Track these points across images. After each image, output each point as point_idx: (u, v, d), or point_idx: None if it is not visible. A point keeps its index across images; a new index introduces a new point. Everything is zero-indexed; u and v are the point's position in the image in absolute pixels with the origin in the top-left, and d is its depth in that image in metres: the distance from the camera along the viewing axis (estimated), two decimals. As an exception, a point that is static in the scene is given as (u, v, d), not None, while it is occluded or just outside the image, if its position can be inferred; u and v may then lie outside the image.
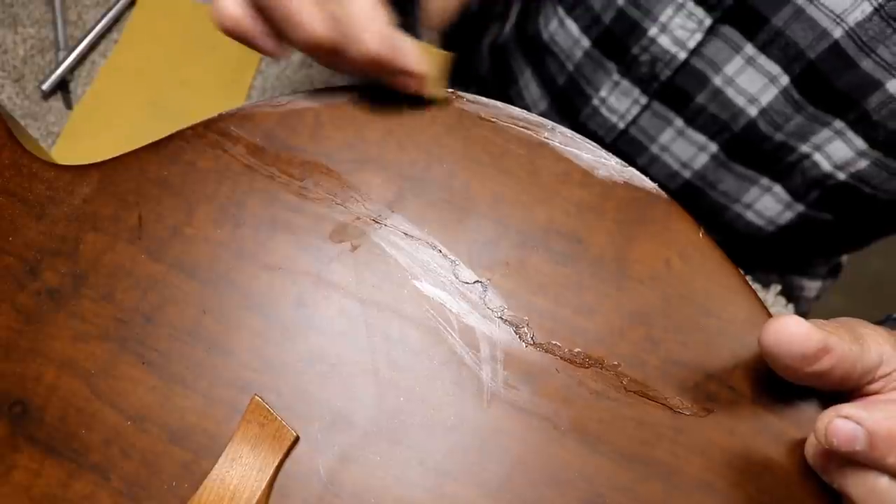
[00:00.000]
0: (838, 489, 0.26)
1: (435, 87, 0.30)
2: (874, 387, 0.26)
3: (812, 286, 0.58)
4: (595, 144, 0.30)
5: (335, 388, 0.28)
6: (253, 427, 0.27)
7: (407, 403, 0.28)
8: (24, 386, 0.29)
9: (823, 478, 0.26)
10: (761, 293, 0.54)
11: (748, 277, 0.44)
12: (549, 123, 0.30)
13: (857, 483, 0.25)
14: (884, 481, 0.24)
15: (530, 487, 0.27)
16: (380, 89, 0.31)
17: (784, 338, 0.24)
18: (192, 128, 0.31)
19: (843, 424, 0.23)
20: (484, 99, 0.31)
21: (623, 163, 0.30)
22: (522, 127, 0.30)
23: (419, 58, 0.29)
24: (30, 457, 0.28)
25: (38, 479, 0.28)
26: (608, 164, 0.30)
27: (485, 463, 0.27)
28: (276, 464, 0.27)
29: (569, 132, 0.30)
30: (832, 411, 0.24)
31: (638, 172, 0.30)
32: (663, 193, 0.30)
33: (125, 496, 0.27)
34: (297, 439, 0.28)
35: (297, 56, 0.69)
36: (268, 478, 0.27)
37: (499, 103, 0.31)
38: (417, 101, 0.30)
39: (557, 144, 0.30)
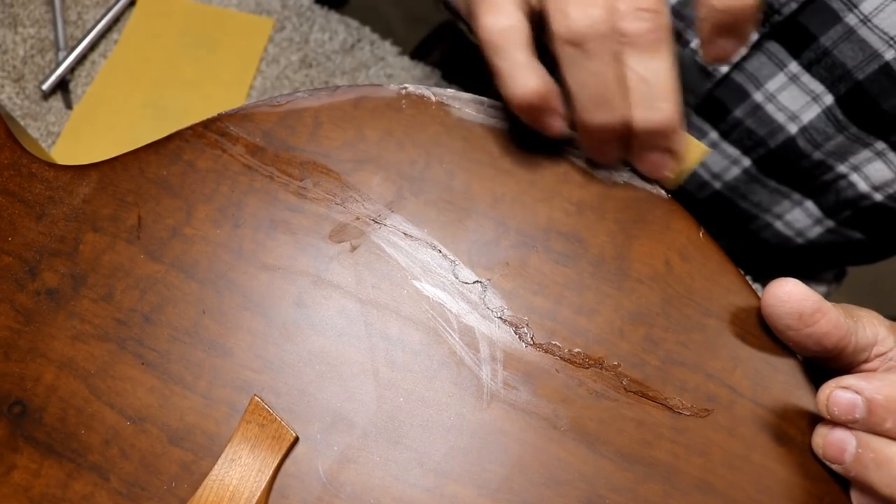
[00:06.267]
0: (855, 478, 0.25)
1: (682, 177, 0.29)
2: (870, 366, 0.27)
3: (818, 290, 0.58)
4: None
5: (335, 389, 0.28)
6: (252, 427, 0.27)
7: (406, 403, 0.28)
8: (24, 386, 0.29)
9: (836, 468, 0.26)
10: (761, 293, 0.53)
11: (748, 277, 0.44)
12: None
13: (883, 472, 0.25)
14: None
15: (530, 488, 0.27)
16: (379, 90, 0.31)
17: (782, 295, 0.26)
18: (192, 128, 0.31)
19: (843, 394, 0.25)
20: (484, 98, 0.31)
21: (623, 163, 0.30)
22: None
23: (684, 145, 0.27)
24: (29, 457, 0.28)
25: (37, 479, 0.28)
26: (608, 164, 0.30)
27: (484, 463, 0.27)
28: (275, 464, 0.27)
29: (568, 131, 0.30)
30: (833, 382, 0.25)
31: (638, 172, 0.30)
32: (663, 193, 0.30)
33: (124, 496, 0.27)
34: (296, 440, 0.27)
35: (296, 56, 0.69)
36: (267, 478, 0.27)
37: (498, 103, 0.31)
38: (417, 101, 0.30)
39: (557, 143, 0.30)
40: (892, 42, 0.36)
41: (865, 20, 0.36)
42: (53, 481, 0.28)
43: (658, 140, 0.26)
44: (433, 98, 0.31)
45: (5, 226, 0.31)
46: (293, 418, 0.28)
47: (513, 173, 0.30)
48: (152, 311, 0.29)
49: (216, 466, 0.27)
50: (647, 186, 0.30)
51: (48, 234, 0.31)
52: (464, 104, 0.31)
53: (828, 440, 0.26)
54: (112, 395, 0.28)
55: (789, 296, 0.26)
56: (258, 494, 0.27)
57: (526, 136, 0.30)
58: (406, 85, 0.31)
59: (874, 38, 0.36)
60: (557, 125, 0.27)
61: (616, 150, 0.27)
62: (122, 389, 0.28)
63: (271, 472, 0.27)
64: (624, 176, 0.30)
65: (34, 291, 0.30)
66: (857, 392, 0.25)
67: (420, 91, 0.31)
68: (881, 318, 0.28)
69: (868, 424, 0.25)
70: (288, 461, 0.27)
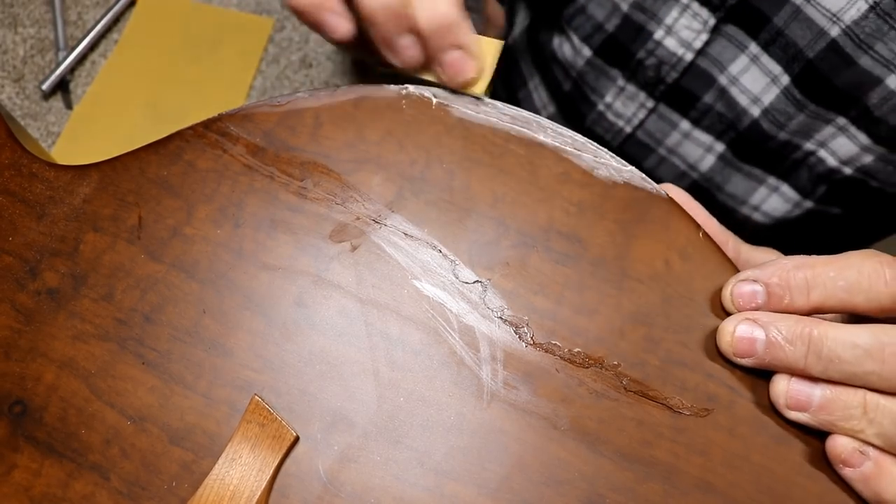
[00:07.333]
0: (822, 428, 0.26)
1: (482, 80, 0.30)
2: None
3: None
4: (596, 144, 0.30)
5: (335, 388, 0.28)
6: (253, 427, 0.27)
7: (407, 403, 0.28)
8: (24, 386, 0.29)
9: (802, 418, 0.27)
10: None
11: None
12: (549, 123, 0.30)
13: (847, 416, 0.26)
14: None
15: (530, 487, 0.27)
16: (379, 90, 0.31)
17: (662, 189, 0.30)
18: (192, 128, 0.31)
19: (743, 285, 0.27)
20: (483, 98, 0.31)
21: (623, 162, 0.30)
22: (522, 126, 0.30)
23: (475, 42, 0.29)
24: (30, 457, 0.28)
25: (37, 478, 0.28)
26: (608, 164, 0.30)
27: (485, 463, 0.27)
28: (275, 464, 0.27)
29: (568, 132, 0.30)
30: (732, 279, 0.28)
31: (638, 172, 0.30)
32: (663, 193, 0.30)
33: (125, 496, 0.27)
34: (296, 439, 0.28)
35: (296, 56, 0.69)
36: (267, 478, 0.27)
37: (498, 103, 0.31)
38: (417, 102, 0.30)
39: (557, 144, 0.30)
40: (835, 19, 0.36)
41: None
42: (54, 481, 0.28)
43: (446, 36, 0.28)
44: (433, 98, 0.31)
45: (6, 225, 0.31)
46: (293, 418, 0.28)
47: (513, 173, 0.30)
48: (153, 311, 0.29)
49: (216, 466, 0.27)
50: (647, 186, 0.30)
51: (49, 233, 0.31)
52: (464, 104, 0.31)
53: (791, 390, 0.26)
54: (112, 394, 0.28)
55: (663, 189, 0.30)
56: (258, 494, 0.27)
57: (525, 136, 0.30)
58: (406, 85, 0.31)
59: (819, 16, 0.37)
60: (337, 24, 0.29)
61: (411, 49, 0.29)
62: (123, 389, 0.28)
63: (272, 471, 0.27)
64: (624, 176, 0.30)
65: (35, 291, 0.30)
66: (754, 280, 0.27)
67: (420, 91, 0.31)
68: (778, 253, 0.32)
69: (771, 307, 0.27)
70: (288, 461, 0.27)
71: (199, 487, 0.27)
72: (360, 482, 0.27)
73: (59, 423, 0.28)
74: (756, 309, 0.27)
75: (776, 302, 0.27)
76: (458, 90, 0.30)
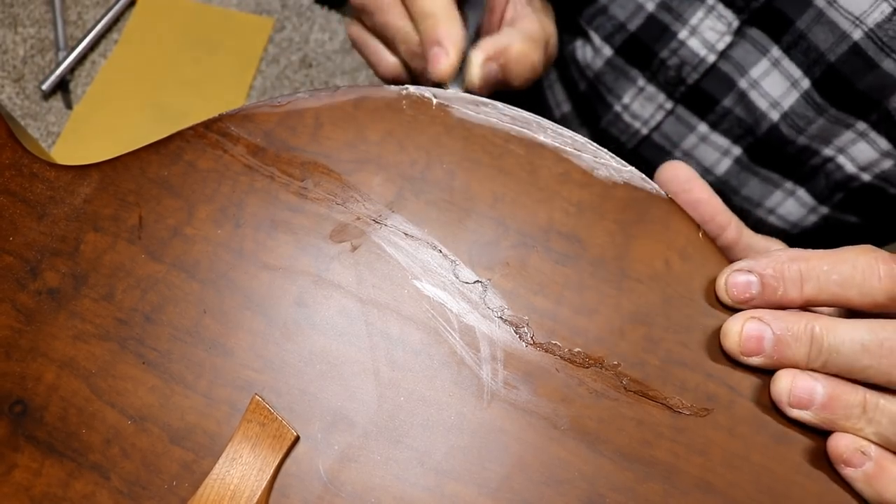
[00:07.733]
0: (824, 427, 0.26)
1: (458, 77, 0.33)
2: None
3: None
4: (595, 145, 0.30)
5: (335, 388, 0.28)
6: (253, 427, 0.27)
7: (407, 403, 0.28)
8: (25, 386, 0.29)
9: (804, 416, 0.27)
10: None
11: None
12: (549, 123, 0.31)
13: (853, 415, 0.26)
14: None
15: (530, 487, 0.27)
16: (379, 90, 0.31)
17: (666, 165, 0.30)
18: (193, 128, 0.31)
19: (737, 276, 0.27)
20: (483, 98, 0.31)
21: (623, 162, 0.30)
22: (522, 127, 0.30)
23: (459, 41, 0.32)
24: (30, 456, 0.28)
25: (38, 478, 0.28)
26: (608, 165, 0.30)
27: (485, 462, 0.27)
28: (276, 463, 0.27)
29: (568, 132, 0.30)
30: (727, 269, 0.28)
31: (638, 172, 0.30)
32: (663, 193, 0.30)
33: (125, 496, 0.27)
34: (297, 439, 0.28)
35: (296, 56, 0.69)
36: (268, 477, 0.27)
37: (498, 103, 0.31)
38: (417, 102, 0.30)
39: (557, 145, 0.30)
40: (857, 21, 0.36)
41: (831, 1, 0.37)
42: (54, 480, 0.28)
43: (428, 32, 0.33)
44: (434, 99, 0.31)
45: (7, 225, 0.31)
46: (294, 417, 0.28)
47: (513, 173, 0.30)
48: (153, 311, 0.29)
49: (217, 466, 0.27)
50: (647, 186, 0.30)
51: (49, 233, 0.31)
52: (464, 105, 0.31)
53: (794, 388, 0.26)
54: (113, 394, 0.28)
55: (671, 164, 0.30)
56: (259, 494, 0.27)
57: (525, 137, 0.30)
58: (406, 86, 0.31)
59: (841, 19, 0.37)
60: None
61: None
62: (123, 389, 0.28)
63: (272, 471, 0.27)
64: (624, 176, 0.30)
65: (35, 291, 0.30)
66: (748, 271, 0.27)
67: (420, 92, 0.31)
68: (782, 243, 0.32)
69: (765, 298, 0.27)
70: (289, 460, 0.27)
71: (200, 487, 0.27)
72: (360, 482, 0.27)
73: (59, 423, 0.28)
74: (750, 299, 0.27)
75: (769, 293, 0.27)
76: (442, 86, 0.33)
